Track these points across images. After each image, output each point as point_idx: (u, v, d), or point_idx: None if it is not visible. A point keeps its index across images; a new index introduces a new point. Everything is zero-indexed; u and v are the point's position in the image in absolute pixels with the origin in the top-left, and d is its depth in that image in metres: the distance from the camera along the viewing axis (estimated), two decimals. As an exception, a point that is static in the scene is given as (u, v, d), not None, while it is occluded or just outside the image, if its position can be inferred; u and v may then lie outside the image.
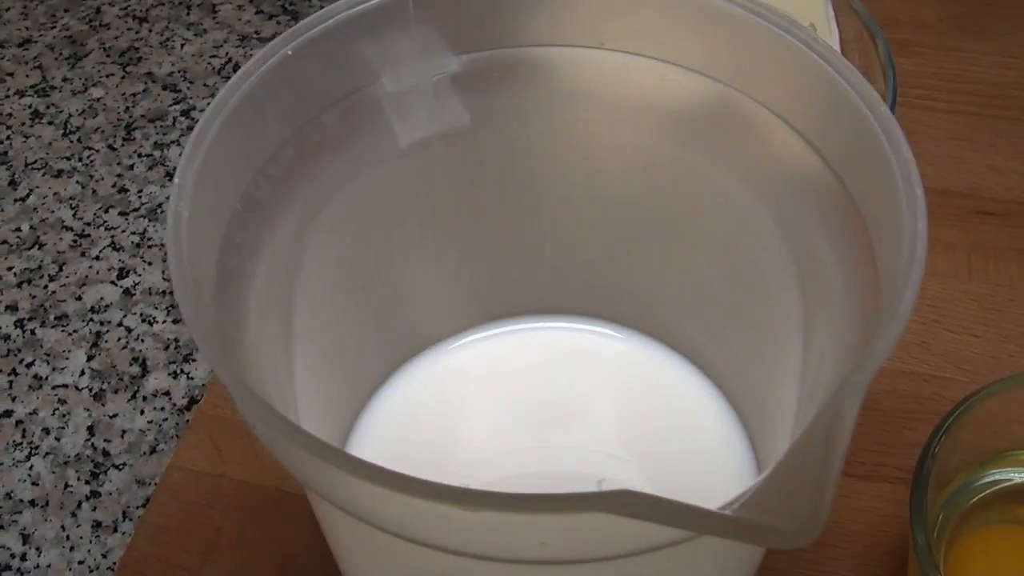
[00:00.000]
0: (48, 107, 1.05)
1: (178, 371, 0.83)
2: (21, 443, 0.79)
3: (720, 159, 0.29)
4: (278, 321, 0.25)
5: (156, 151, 1.00)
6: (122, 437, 0.79)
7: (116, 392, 0.82)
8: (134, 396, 0.82)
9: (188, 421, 0.61)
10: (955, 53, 0.57)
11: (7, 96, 1.07)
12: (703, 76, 0.28)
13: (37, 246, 0.93)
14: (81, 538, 0.74)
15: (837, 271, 0.26)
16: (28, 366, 0.84)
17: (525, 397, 0.32)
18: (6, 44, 1.12)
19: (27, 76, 1.08)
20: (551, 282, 0.33)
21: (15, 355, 0.85)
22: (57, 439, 0.80)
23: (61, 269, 0.91)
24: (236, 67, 1.05)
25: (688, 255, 0.30)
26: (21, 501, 0.76)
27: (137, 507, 0.76)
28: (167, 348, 0.85)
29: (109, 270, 0.90)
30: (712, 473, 0.32)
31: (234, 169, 0.24)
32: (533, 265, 0.32)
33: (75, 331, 0.86)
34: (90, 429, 0.80)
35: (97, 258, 0.92)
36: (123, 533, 0.74)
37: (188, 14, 1.15)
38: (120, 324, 0.86)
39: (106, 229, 0.94)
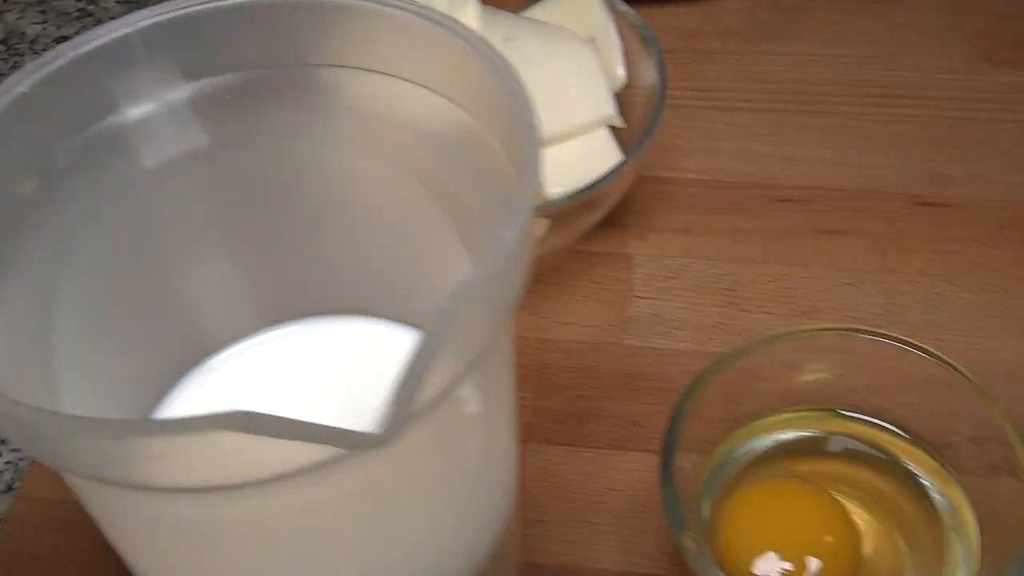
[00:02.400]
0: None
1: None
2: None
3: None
4: (29, 348, 0.28)
5: None
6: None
7: None
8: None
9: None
10: (759, 56, 0.61)
11: None
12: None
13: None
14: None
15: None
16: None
17: (308, 393, 0.34)
18: None
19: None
20: (325, 284, 0.36)
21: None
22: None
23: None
24: None
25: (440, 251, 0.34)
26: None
27: None
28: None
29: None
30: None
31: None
32: (308, 269, 0.35)
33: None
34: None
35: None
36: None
37: None
38: None
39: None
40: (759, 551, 0.39)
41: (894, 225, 0.53)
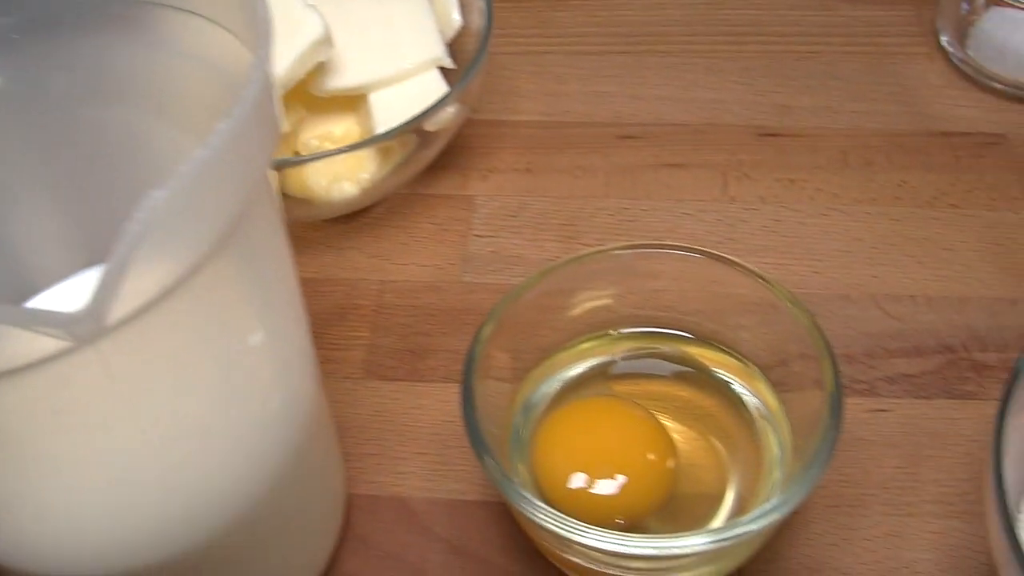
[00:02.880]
0: None
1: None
2: None
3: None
4: None
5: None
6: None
7: None
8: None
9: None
10: (610, 1, 0.61)
11: None
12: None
13: None
14: None
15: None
16: None
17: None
18: None
19: None
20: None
21: None
22: None
23: None
24: None
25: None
26: None
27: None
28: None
29: None
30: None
31: None
32: (120, 213, 0.35)
33: None
34: None
35: None
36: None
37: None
38: None
39: None
40: (572, 468, 0.38)
41: (737, 156, 0.53)
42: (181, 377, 0.29)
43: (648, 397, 0.41)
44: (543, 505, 0.34)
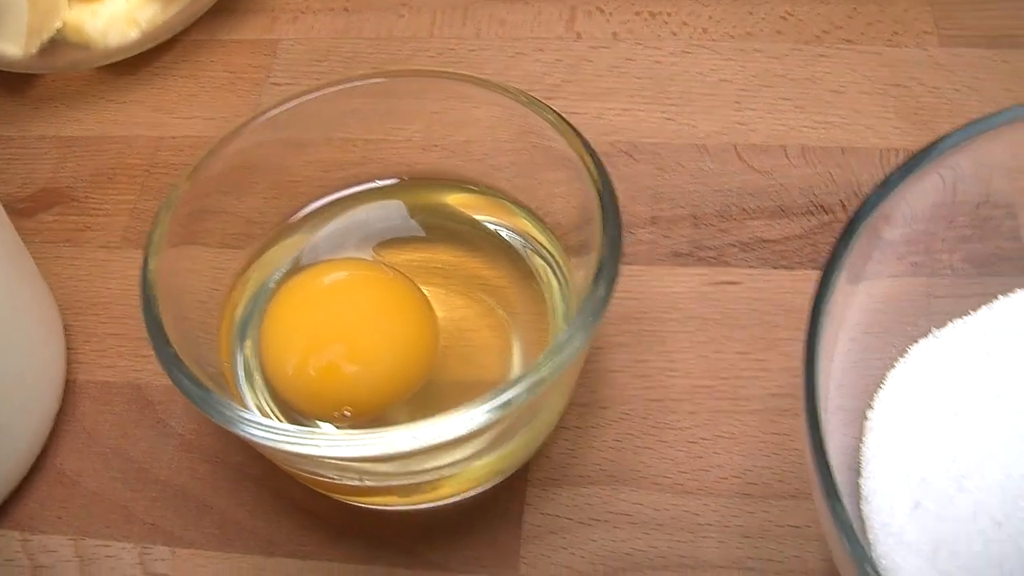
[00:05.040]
0: None
1: None
2: None
3: None
4: None
5: None
6: None
7: None
8: None
9: None
10: None
11: None
12: None
13: None
14: None
15: None
16: None
17: None
18: None
19: None
20: None
21: None
22: None
23: None
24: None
25: None
26: None
27: None
28: None
29: None
30: None
31: None
32: None
33: None
34: None
35: None
36: None
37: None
38: None
39: None
40: (292, 350, 0.31)
41: (590, -12, 0.44)
42: None
43: (421, 266, 0.34)
44: (226, 401, 0.27)
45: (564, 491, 0.33)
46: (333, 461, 0.28)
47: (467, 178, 0.34)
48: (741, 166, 0.39)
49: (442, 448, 0.27)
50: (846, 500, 0.31)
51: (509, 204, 0.34)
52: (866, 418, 0.31)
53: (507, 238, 0.34)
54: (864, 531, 0.30)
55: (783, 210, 0.38)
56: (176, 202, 0.30)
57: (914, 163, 0.30)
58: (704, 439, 0.33)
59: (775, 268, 0.37)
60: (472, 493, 0.32)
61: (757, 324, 0.36)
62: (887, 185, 0.29)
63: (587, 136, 0.30)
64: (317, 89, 0.32)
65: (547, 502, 0.33)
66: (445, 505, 0.32)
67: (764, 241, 0.37)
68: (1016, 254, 0.36)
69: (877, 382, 0.32)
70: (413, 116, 0.34)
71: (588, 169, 0.30)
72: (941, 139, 0.30)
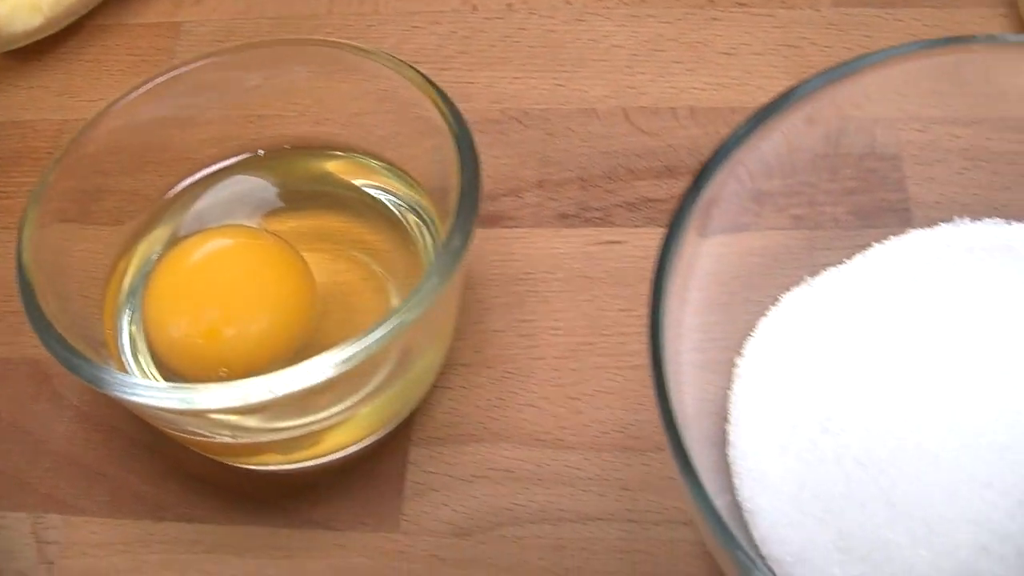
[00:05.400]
0: None
1: None
2: None
3: None
4: None
5: None
6: None
7: None
8: None
9: None
10: None
11: None
12: None
13: None
14: None
15: None
16: None
17: None
18: None
19: None
20: None
21: None
22: None
23: None
24: None
25: None
26: None
27: None
28: None
29: None
30: None
31: None
32: None
33: None
34: None
35: None
36: None
37: None
38: None
39: None
40: (170, 314, 0.32)
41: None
42: None
43: (305, 232, 0.35)
44: (91, 362, 0.28)
45: (447, 449, 0.34)
46: (198, 416, 0.28)
47: (348, 145, 0.35)
48: (629, 128, 0.39)
49: (305, 400, 0.28)
50: (711, 447, 0.31)
51: (387, 169, 0.34)
52: (735, 366, 0.32)
53: (387, 203, 0.35)
54: (729, 476, 0.30)
55: (670, 170, 0.38)
56: (52, 182, 0.31)
57: (759, 117, 0.30)
58: (586, 395, 0.34)
59: (661, 227, 0.37)
60: (353, 449, 0.33)
61: (642, 282, 0.36)
62: (734, 138, 0.30)
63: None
64: (190, 62, 0.33)
65: (430, 460, 0.33)
66: (329, 465, 0.33)
67: (650, 201, 0.38)
68: (900, 205, 0.36)
69: (749, 331, 0.33)
70: (290, 86, 0.34)
71: (449, 127, 0.30)
72: (792, 88, 0.31)
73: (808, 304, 0.33)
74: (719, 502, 0.29)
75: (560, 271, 0.36)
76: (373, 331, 0.27)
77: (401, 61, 0.32)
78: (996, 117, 0.36)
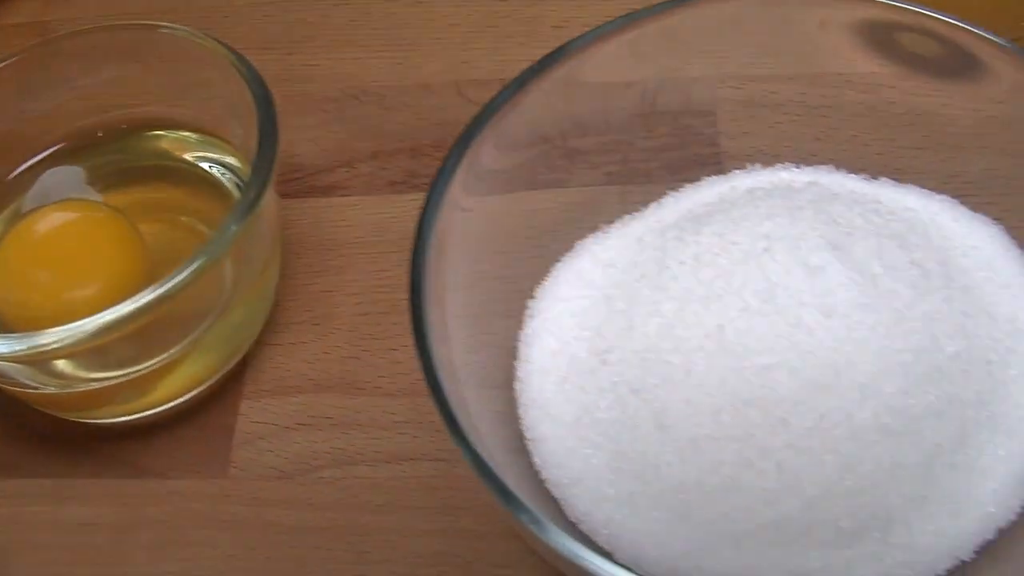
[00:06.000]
0: None
1: None
2: None
3: None
4: None
5: None
6: None
7: None
8: None
9: None
10: None
11: None
12: None
13: None
14: None
15: None
16: None
17: None
18: None
19: None
20: None
21: None
22: None
23: None
24: None
25: None
26: None
27: None
28: None
29: None
30: None
31: None
32: None
33: None
34: None
35: None
36: None
37: None
38: None
39: None
40: (11, 285, 0.34)
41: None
42: None
43: (143, 204, 0.37)
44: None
45: (275, 401, 0.36)
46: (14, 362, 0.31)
47: (176, 122, 0.37)
48: (461, 100, 0.41)
49: (117, 349, 0.30)
50: (499, 387, 0.33)
51: (211, 141, 0.37)
52: (526, 307, 0.34)
53: (216, 173, 0.37)
54: (516, 408, 0.32)
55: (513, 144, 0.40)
56: None
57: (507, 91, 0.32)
58: (405, 346, 0.36)
59: (497, 194, 0.39)
60: (183, 400, 0.35)
61: (475, 245, 0.38)
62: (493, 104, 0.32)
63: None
64: (17, 53, 0.36)
65: (258, 412, 0.36)
66: (164, 419, 0.35)
67: (495, 171, 0.40)
68: (712, 159, 0.39)
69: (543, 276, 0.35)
70: (119, 70, 0.37)
71: (253, 96, 0.33)
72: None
73: (596, 248, 0.35)
74: (503, 433, 0.31)
75: (388, 233, 0.39)
76: (169, 279, 0.29)
77: (214, 39, 0.34)
78: (811, 73, 0.38)
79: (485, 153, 0.32)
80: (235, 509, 0.34)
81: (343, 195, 0.39)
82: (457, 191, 0.31)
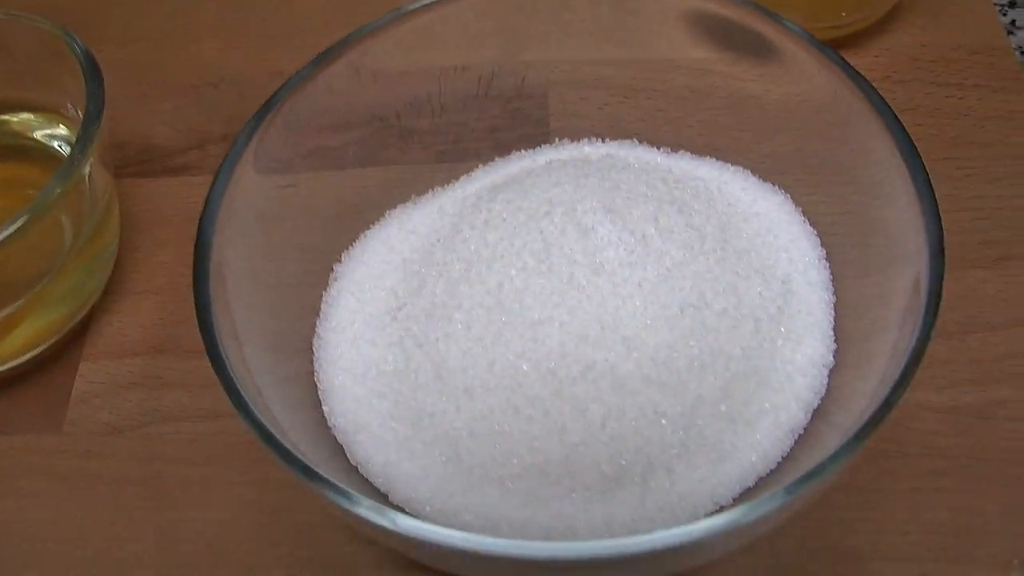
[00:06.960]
0: None
1: None
2: None
3: None
4: None
5: None
6: None
7: None
8: None
9: None
10: None
11: None
12: None
13: None
14: None
15: None
16: None
17: None
18: None
19: None
20: None
21: None
22: None
23: None
24: None
25: None
26: None
27: None
28: None
29: None
30: None
31: None
32: None
33: None
34: None
35: None
36: None
37: None
38: None
39: None
40: None
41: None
42: None
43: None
44: None
45: (112, 363, 0.38)
46: None
47: (23, 103, 0.40)
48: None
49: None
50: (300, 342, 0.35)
51: (57, 118, 0.39)
52: (332, 271, 0.36)
53: (65, 152, 0.39)
54: (313, 362, 0.34)
55: (347, 123, 0.43)
56: None
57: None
58: (237, 312, 0.38)
59: (332, 170, 0.41)
60: (21, 361, 0.37)
61: (301, 215, 0.40)
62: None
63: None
64: None
65: (96, 373, 0.38)
66: (5, 377, 0.37)
67: (325, 148, 0.42)
68: (541, 139, 0.41)
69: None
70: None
71: (83, 70, 0.35)
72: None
73: (403, 217, 0.37)
74: (292, 390, 0.33)
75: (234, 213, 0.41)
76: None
77: (50, 21, 0.37)
78: (644, 59, 0.40)
79: (274, 134, 0.34)
80: (68, 463, 0.36)
81: (192, 174, 0.42)
82: (246, 169, 0.33)
